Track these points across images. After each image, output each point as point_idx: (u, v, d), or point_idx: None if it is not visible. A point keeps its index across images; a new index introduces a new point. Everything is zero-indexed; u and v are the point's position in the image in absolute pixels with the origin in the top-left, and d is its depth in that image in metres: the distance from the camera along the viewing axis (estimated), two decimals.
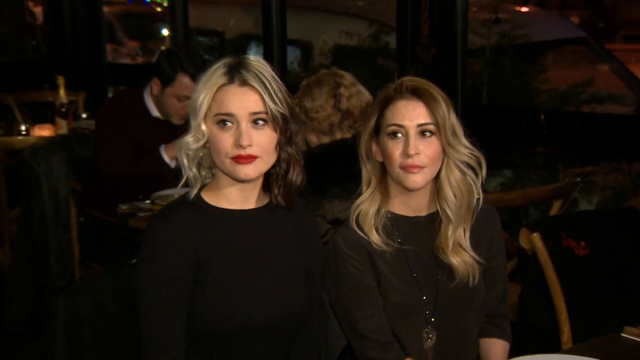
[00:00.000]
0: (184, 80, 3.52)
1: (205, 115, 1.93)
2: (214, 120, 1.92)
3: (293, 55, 5.90)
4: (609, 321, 2.39)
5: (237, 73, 1.91)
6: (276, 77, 1.96)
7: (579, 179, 3.89)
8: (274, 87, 1.92)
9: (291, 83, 4.78)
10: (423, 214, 2.19)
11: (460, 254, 2.13)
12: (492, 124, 4.10)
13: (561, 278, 2.51)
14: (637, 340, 2.11)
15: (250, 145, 1.89)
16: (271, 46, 4.89)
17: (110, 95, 6.05)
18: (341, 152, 2.73)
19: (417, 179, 2.08)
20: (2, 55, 7.21)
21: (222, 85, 1.92)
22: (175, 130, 3.52)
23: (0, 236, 4.69)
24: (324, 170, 2.67)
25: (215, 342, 1.95)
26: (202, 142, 1.94)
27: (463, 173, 2.12)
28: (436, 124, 2.07)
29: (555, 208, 3.43)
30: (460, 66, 3.97)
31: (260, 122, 1.91)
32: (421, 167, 2.07)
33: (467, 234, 2.15)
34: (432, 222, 2.18)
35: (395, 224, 2.17)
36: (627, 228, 2.98)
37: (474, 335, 2.22)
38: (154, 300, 1.91)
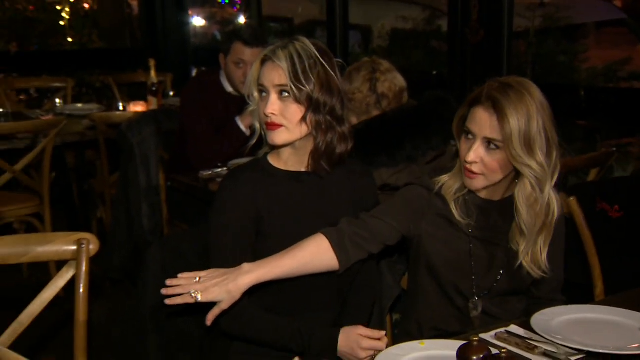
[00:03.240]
0: (237, 45, 3.52)
1: (255, 85, 1.98)
2: (258, 90, 1.98)
3: (354, 38, 5.82)
4: (638, 277, 2.32)
5: (275, 51, 1.94)
6: (315, 57, 1.95)
7: (614, 149, 3.77)
8: (305, 65, 1.92)
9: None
10: (497, 198, 2.07)
11: (533, 263, 2.02)
12: None
13: (595, 238, 2.44)
14: None
15: (274, 114, 1.93)
16: (334, 31, 4.84)
17: (193, 75, 6.10)
18: (382, 125, 2.72)
19: (474, 184, 1.98)
20: (104, 42, 7.34)
21: (263, 60, 1.97)
22: (243, 103, 3.52)
23: (103, 198, 4.80)
24: (368, 142, 2.65)
25: (276, 286, 1.96)
26: (253, 107, 2.00)
27: (540, 191, 1.94)
28: (504, 141, 1.89)
29: (593, 175, 3.35)
30: (506, 47, 3.85)
31: (285, 94, 1.93)
32: (477, 174, 1.95)
33: (545, 250, 2.01)
34: (507, 206, 2.04)
35: (471, 203, 2.05)
36: None
37: (517, 310, 2.13)
38: (220, 246, 1.95)
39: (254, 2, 5.65)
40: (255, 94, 1.99)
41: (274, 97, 1.93)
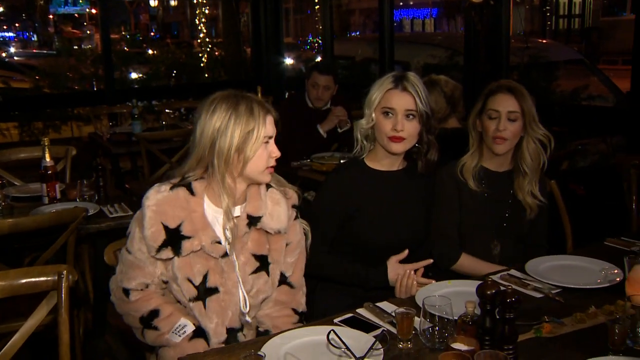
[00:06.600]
0: (314, 73, 3.49)
1: (375, 107, 1.85)
2: (381, 111, 1.84)
3: (398, 70, 5.67)
4: (596, 235, 2.23)
5: (400, 82, 1.82)
6: (424, 87, 1.85)
7: (579, 147, 3.72)
8: (423, 93, 1.82)
9: None
10: (502, 170, 2.05)
11: (533, 196, 2.02)
12: None
13: (567, 208, 2.40)
14: (614, 246, 2.03)
15: (402, 131, 1.81)
16: (384, 65, 4.76)
17: (286, 96, 6.12)
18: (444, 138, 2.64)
19: (502, 147, 1.98)
20: (228, 76, 7.51)
21: (390, 89, 1.83)
22: (321, 114, 3.50)
23: None
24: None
25: (368, 252, 1.92)
26: (371, 124, 1.86)
27: (536, 145, 1.98)
28: (521, 112, 1.94)
29: (564, 165, 3.26)
30: (504, 76, 3.76)
31: (411, 116, 1.82)
32: (505, 139, 1.95)
33: (537, 185, 2.02)
34: (508, 176, 2.05)
35: (483, 174, 2.04)
36: (610, 179, 2.84)
37: (520, 254, 2.06)
38: (318, 220, 1.87)
39: (327, 47, 5.63)
40: (374, 115, 1.85)
41: (401, 117, 1.81)
